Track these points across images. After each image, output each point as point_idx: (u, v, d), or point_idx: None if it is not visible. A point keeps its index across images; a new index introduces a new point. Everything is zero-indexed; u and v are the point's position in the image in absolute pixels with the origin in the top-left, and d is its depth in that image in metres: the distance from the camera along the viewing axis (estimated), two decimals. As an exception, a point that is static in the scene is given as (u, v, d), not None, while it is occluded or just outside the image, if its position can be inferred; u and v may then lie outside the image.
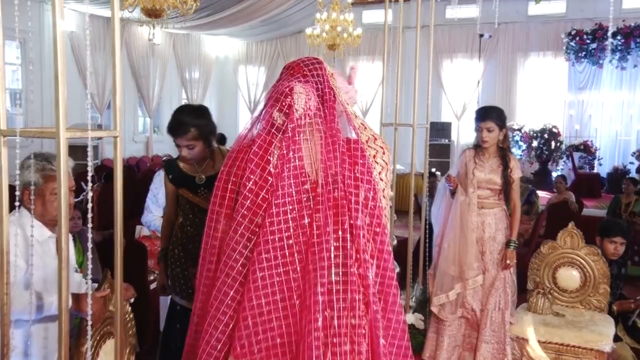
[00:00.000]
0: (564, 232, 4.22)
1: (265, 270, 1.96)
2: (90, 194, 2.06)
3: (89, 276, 1.91)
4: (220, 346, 1.99)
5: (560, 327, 3.81)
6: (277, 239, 1.98)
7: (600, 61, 12.45)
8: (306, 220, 2.02)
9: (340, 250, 1.99)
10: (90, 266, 2.02)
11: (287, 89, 2.12)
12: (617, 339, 4.19)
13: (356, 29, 11.34)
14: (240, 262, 2.00)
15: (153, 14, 8.01)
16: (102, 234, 4.51)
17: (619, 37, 12.03)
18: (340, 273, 1.97)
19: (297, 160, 2.06)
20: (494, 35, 13.33)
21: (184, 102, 15.92)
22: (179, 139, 3.90)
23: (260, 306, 1.95)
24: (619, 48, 12.15)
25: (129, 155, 13.13)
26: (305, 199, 2.04)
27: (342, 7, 11.08)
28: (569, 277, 4.14)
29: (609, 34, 11.53)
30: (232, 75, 16.74)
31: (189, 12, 8.18)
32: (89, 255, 2.01)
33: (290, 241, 2.00)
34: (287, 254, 1.99)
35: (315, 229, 2.01)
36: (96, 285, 2.35)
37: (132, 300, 2.65)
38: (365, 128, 2.29)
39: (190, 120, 3.06)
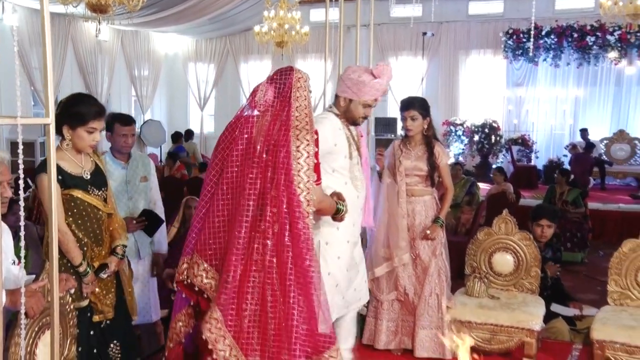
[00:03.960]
0: (499, 219, 4.33)
1: (219, 201, 2.67)
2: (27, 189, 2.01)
3: (22, 269, 1.87)
4: (192, 245, 2.73)
5: (495, 309, 3.90)
6: (228, 181, 2.67)
7: (536, 59, 12.79)
8: (246, 172, 2.65)
9: (261, 194, 2.60)
10: (23, 261, 1.97)
11: (256, 87, 2.79)
12: (554, 315, 4.34)
13: (303, 27, 11.34)
14: (208, 196, 2.74)
15: (98, 9, 7.81)
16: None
17: (552, 36, 12.38)
18: (259, 210, 2.59)
19: (249, 133, 2.70)
20: (436, 33, 13.52)
21: (133, 99, 15.64)
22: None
23: (213, 223, 2.67)
24: (553, 47, 12.50)
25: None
26: (249, 158, 2.65)
27: (289, 6, 11.04)
28: (504, 261, 4.24)
29: (541, 33, 11.79)
30: (182, 72, 16.51)
31: (135, 8, 8.02)
32: (22, 248, 1.96)
33: (233, 185, 2.66)
34: (231, 193, 2.66)
35: (248, 177, 2.63)
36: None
37: (72, 290, 2.60)
38: (308, 123, 2.73)
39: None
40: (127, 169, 3.85)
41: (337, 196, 3.04)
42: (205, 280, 2.64)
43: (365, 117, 3.42)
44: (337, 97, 3.38)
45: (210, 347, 2.53)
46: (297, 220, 2.56)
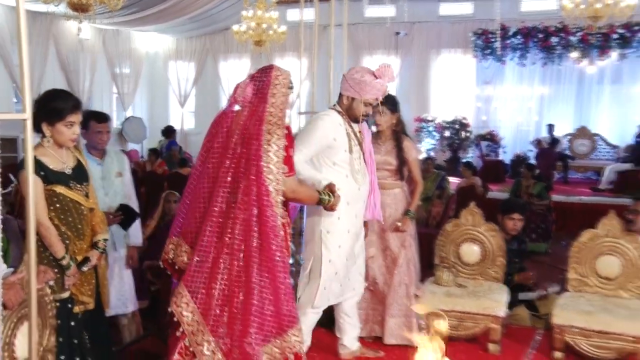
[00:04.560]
0: (466, 212, 4.37)
1: (201, 190, 2.81)
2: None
3: (1, 262, 1.84)
4: (177, 229, 2.90)
5: (462, 297, 3.94)
6: (209, 172, 2.81)
7: (503, 58, 12.90)
8: (223, 162, 2.79)
9: (235, 183, 2.73)
10: (1, 253, 1.95)
11: (237, 84, 2.91)
12: (517, 303, 4.39)
13: (281, 26, 11.31)
14: (192, 185, 2.91)
15: (80, 8, 7.71)
16: None
17: (518, 37, 12.50)
18: (232, 198, 2.72)
19: (228, 127, 2.83)
20: (409, 33, 13.56)
21: (115, 96, 15.48)
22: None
23: (195, 210, 2.82)
24: (519, 47, 12.62)
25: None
26: (226, 150, 2.79)
27: (267, 6, 11.01)
28: (471, 251, 4.29)
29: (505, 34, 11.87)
30: (163, 71, 16.36)
31: (116, 7, 7.92)
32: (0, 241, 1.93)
33: (211, 169, 2.81)
34: (212, 182, 2.78)
35: (224, 166, 2.77)
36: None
37: (51, 282, 2.57)
38: (280, 118, 2.83)
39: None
40: (102, 165, 3.82)
41: (329, 187, 3.16)
42: (186, 260, 2.80)
43: (367, 115, 3.54)
44: (340, 95, 3.51)
45: (176, 319, 2.67)
46: (265, 208, 2.67)
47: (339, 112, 3.48)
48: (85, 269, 2.95)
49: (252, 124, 2.77)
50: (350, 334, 3.70)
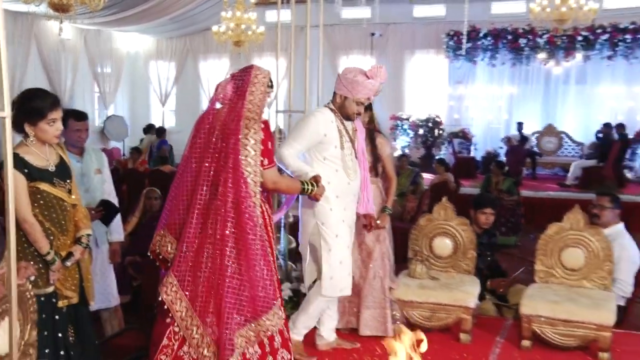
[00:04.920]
0: (439, 206, 4.40)
1: (184, 184, 2.91)
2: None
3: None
4: (163, 222, 3.00)
5: (435, 289, 3.96)
6: (192, 167, 2.90)
7: (474, 59, 13.01)
8: (204, 157, 2.89)
9: (216, 176, 2.84)
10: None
11: (218, 83, 2.98)
12: (483, 297, 4.43)
13: (259, 27, 11.28)
14: (177, 180, 2.98)
15: (61, 8, 7.60)
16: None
17: (489, 38, 12.62)
18: (214, 189, 2.83)
19: (210, 124, 2.92)
20: (384, 34, 13.60)
21: (96, 95, 15.31)
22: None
23: (180, 204, 2.92)
24: (489, 48, 12.74)
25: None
26: (207, 146, 2.88)
27: (246, 7, 11.00)
28: (443, 245, 4.31)
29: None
30: (144, 70, 16.22)
31: (97, 8, 7.82)
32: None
33: (194, 164, 2.90)
34: (192, 169, 2.89)
35: (206, 161, 2.87)
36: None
37: (32, 278, 2.54)
38: (258, 114, 2.91)
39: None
40: (81, 162, 3.78)
41: (314, 178, 3.26)
42: (170, 250, 2.91)
43: (359, 114, 3.57)
44: (334, 94, 3.54)
45: (166, 307, 2.79)
46: (243, 199, 2.77)
47: (332, 109, 3.53)
48: (68, 263, 2.92)
49: (231, 120, 2.85)
50: (327, 326, 3.72)
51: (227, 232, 2.77)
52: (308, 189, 3.21)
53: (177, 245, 2.87)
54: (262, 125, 2.89)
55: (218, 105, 2.97)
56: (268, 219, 2.99)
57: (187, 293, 2.79)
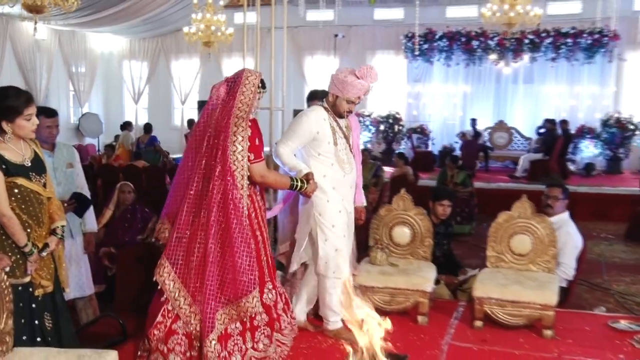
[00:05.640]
0: (398, 197, 4.42)
1: (181, 178, 3.08)
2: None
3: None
4: (164, 212, 3.17)
5: (394, 275, 3.98)
6: (189, 163, 3.07)
7: (431, 59, 13.14)
8: (198, 152, 3.04)
9: (207, 169, 2.97)
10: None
11: (213, 85, 3.08)
12: (438, 281, 4.49)
13: (228, 28, 11.20)
14: (178, 176, 3.14)
15: (35, 9, 7.40)
16: None
17: (444, 40, 12.75)
18: (207, 182, 2.97)
19: (204, 123, 3.05)
20: (346, 36, 13.62)
21: (72, 94, 14.98)
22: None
23: (173, 187, 3.14)
24: (445, 49, 12.87)
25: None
26: (201, 143, 3.02)
27: (215, 9, 10.95)
28: (402, 233, 4.33)
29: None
30: (117, 69, 15.96)
31: (70, 9, 7.64)
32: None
33: (190, 159, 3.07)
34: (189, 164, 3.06)
35: (199, 156, 3.03)
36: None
37: (7, 269, 2.48)
38: (246, 112, 3.01)
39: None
40: (53, 157, 3.71)
41: (305, 176, 3.32)
42: (167, 235, 3.07)
43: (350, 112, 3.58)
44: (328, 93, 3.56)
45: (160, 287, 2.96)
46: (230, 190, 2.90)
47: (325, 108, 3.55)
48: (44, 254, 2.88)
49: (222, 118, 2.96)
50: (299, 307, 3.71)
51: (213, 219, 2.89)
52: (297, 185, 3.27)
53: (170, 231, 3.03)
54: (250, 123, 2.99)
55: (210, 107, 3.07)
56: (258, 210, 3.10)
57: (179, 276, 2.95)
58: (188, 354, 2.97)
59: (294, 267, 3.68)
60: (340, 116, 3.56)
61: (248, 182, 3.00)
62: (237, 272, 2.89)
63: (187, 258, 2.96)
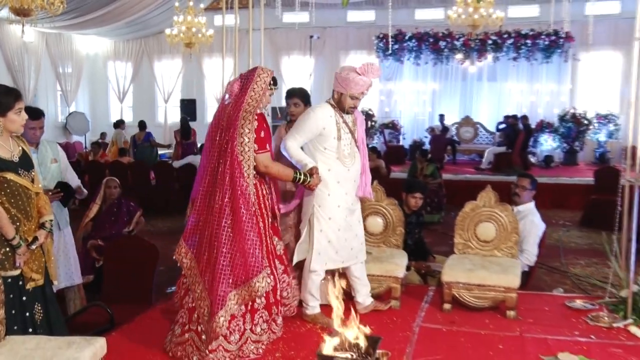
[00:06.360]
0: (372, 189, 4.40)
1: (200, 162, 3.25)
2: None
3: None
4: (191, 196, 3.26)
5: (368, 262, 3.95)
6: (205, 154, 3.19)
7: (402, 59, 13.17)
8: (212, 144, 3.14)
9: (219, 159, 3.07)
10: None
11: (228, 82, 3.20)
12: (409, 268, 4.51)
13: (208, 30, 11.11)
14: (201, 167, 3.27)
15: (22, 13, 7.22)
16: None
17: (413, 41, 12.79)
18: (216, 172, 3.08)
19: (218, 117, 3.14)
20: (321, 37, 13.58)
21: (59, 93, 14.74)
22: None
23: (198, 171, 3.25)
24: (414, 49, 12.92)
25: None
26: (214, 135, 3.12)
27: (196, 12, 10.86)
28: (375, 223, 4.33)
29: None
30: (103, 70, 15.73)
31: (56, 12, 7.47)
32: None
33: (205, 159, 3.17)
34: (207, 153, 3.16)
35: (215, 145, 3.13)
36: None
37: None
38: (255, 107, 3.06)
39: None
40: (37, 153, 3.66)
41: (309, 170, 3.32)
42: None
43: (355, 107, 3.58)
44: (333, 91, 3.55)
45: (179, 264, 3.14)
46: (237, 178, 2.98)
47: (331, 104, 3.53)
48: (34, 247, 2.84)
49: (233, 112, 3.03)
50: (362, 292, 3.73)
51: (224, 205, 2.98)
52: (299, 178, 3.27)
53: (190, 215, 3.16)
54: (256, 117, 3.06)
55: (225, 102, 3.15)
56: (261, 198, 3.16)
57: (195, 256, 3.09)
58: (187, 327, 3.06)
59: (296, 259, 3.63)
60: (346, 112, 3.55)
61: (254, 172, 3.07)
62: (247, 255, 2.95)
63: (200, 241, 3.07)
